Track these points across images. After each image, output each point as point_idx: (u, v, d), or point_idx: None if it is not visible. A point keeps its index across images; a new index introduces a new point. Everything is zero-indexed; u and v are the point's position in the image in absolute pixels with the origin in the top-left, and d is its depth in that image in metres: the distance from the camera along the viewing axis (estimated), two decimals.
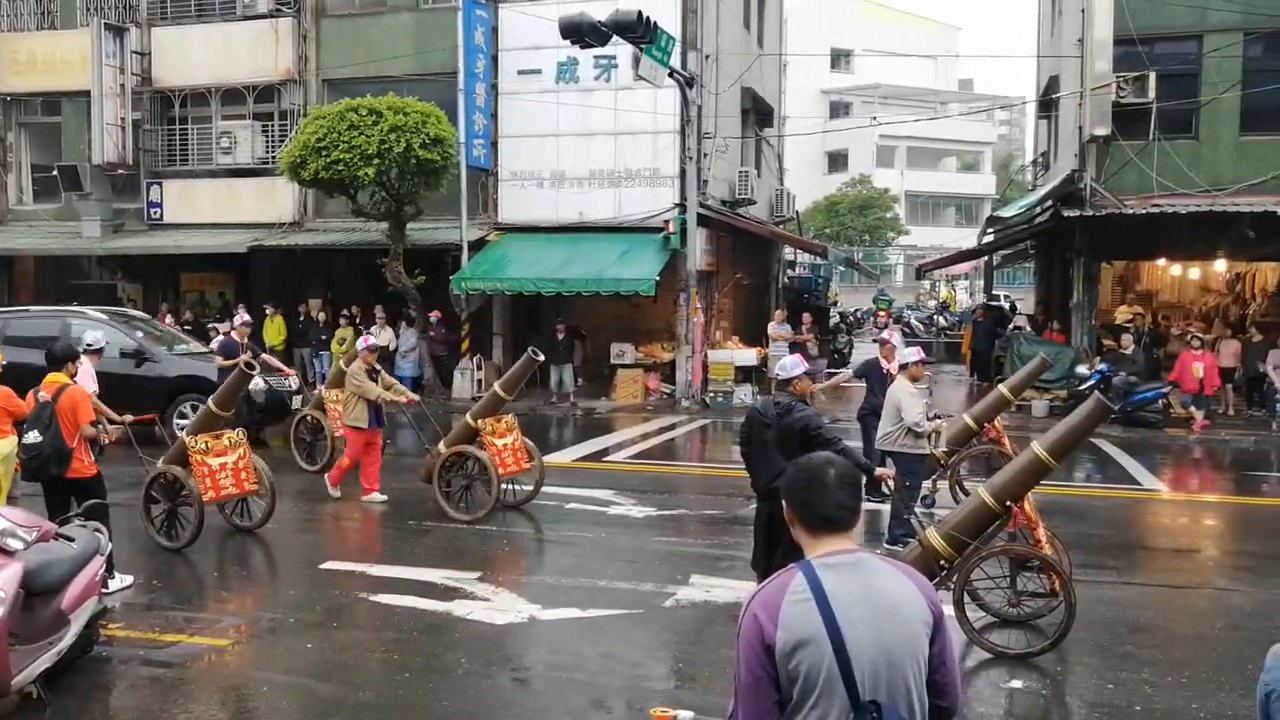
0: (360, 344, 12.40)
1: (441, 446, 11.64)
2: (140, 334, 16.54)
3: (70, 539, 6.69)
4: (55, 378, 8.72)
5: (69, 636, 6.30)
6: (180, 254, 24.22)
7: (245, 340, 14.99)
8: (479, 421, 11.50)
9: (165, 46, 24.70)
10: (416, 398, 12.69)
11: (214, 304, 26.06)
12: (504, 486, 11.51)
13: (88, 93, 23.93)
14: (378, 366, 12.31)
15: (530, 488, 11.97)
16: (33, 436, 8.48)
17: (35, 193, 26.77)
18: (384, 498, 12.08)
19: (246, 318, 15.98)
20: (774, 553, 7.49)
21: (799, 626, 2.93)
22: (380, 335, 21.28)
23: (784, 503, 3.20)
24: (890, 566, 3.11)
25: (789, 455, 7.27)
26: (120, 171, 24.61)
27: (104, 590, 7.43)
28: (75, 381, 8.86)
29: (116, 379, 14.14)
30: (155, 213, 24.85)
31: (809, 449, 7.15)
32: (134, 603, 8.45)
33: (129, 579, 8.79)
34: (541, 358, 11.86)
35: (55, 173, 25.21)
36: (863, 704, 2.92)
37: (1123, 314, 23.35)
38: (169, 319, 23.39)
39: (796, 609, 2.96)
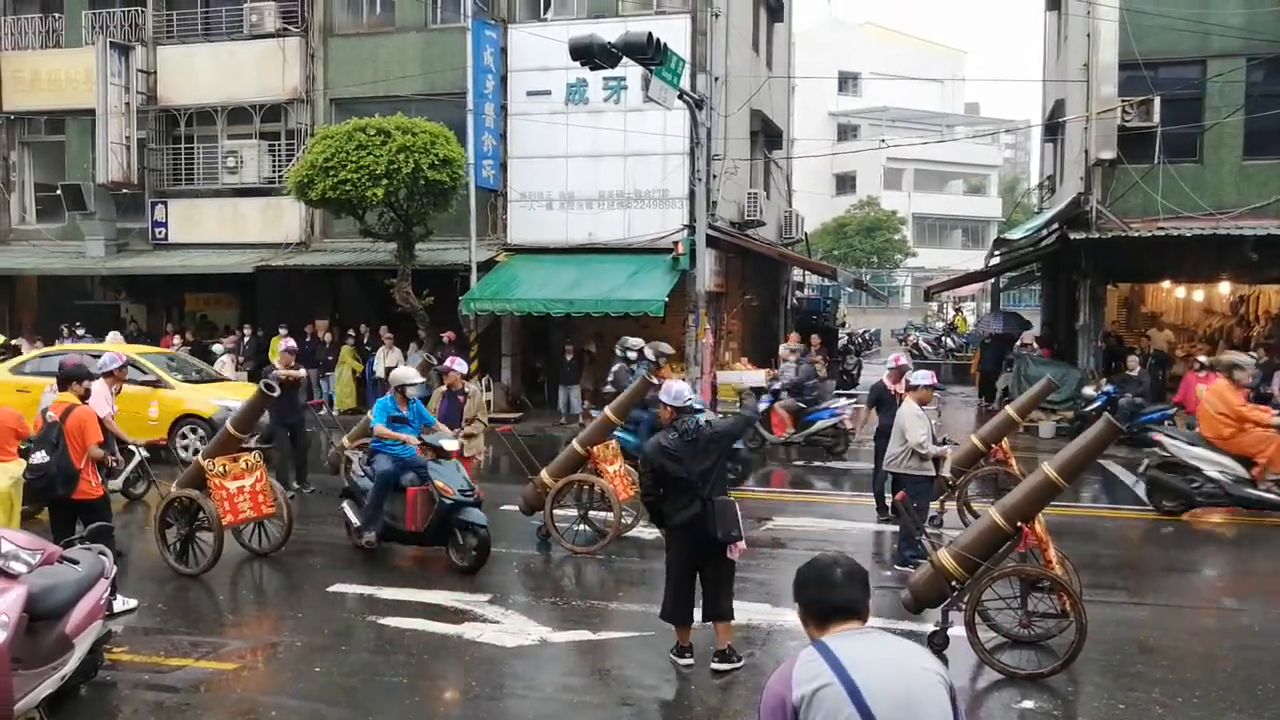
0: (450, 364, 11.87)
1: (546, 476, 10.97)
2: None
3: (75, 562, 6.62)
4: (64, 398, 8.72)
5: (73, 661, 6.23)
6: (185, 274, 24.24)
7: (289, 366, 14.34)
8: (590, 449, 10.95)
9: (171, 65, 24.77)
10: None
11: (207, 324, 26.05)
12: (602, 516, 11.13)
13: (92, 111, 23.99)
14: (466, 389, 11.75)
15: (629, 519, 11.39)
16: (39, 457, 8.45)
17: (38, 212, 26.79)
18: None
19: (291, 343, 15.20)
20: (694, 586, 7.31)
21: (812, 677, 3.07)
22: (388, 356, 21.32)
23: (795, 600, 3.36)
24: (903, 638, 3.32)
25: (712, 466, 7.19)
26: (125, 191, 24.65)
27: (108, 614, 7.37)
28: (86, 403, 8.83)
29: None
30: (160, 232, 24.86)
31: (723, 446, 7.32)
32: (139, 627, 8.40)
33: (133, 602, 8.72)
34: (657, 382, 11.50)
35: (59, 192, 25.23)
36: None
37: (1159, 338, 23.37)
38: (175, 340, 23.42)
39: (808, 666, 3.12)
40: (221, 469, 9.94)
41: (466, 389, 11.75)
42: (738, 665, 7.17)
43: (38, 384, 14.82)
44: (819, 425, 17.23)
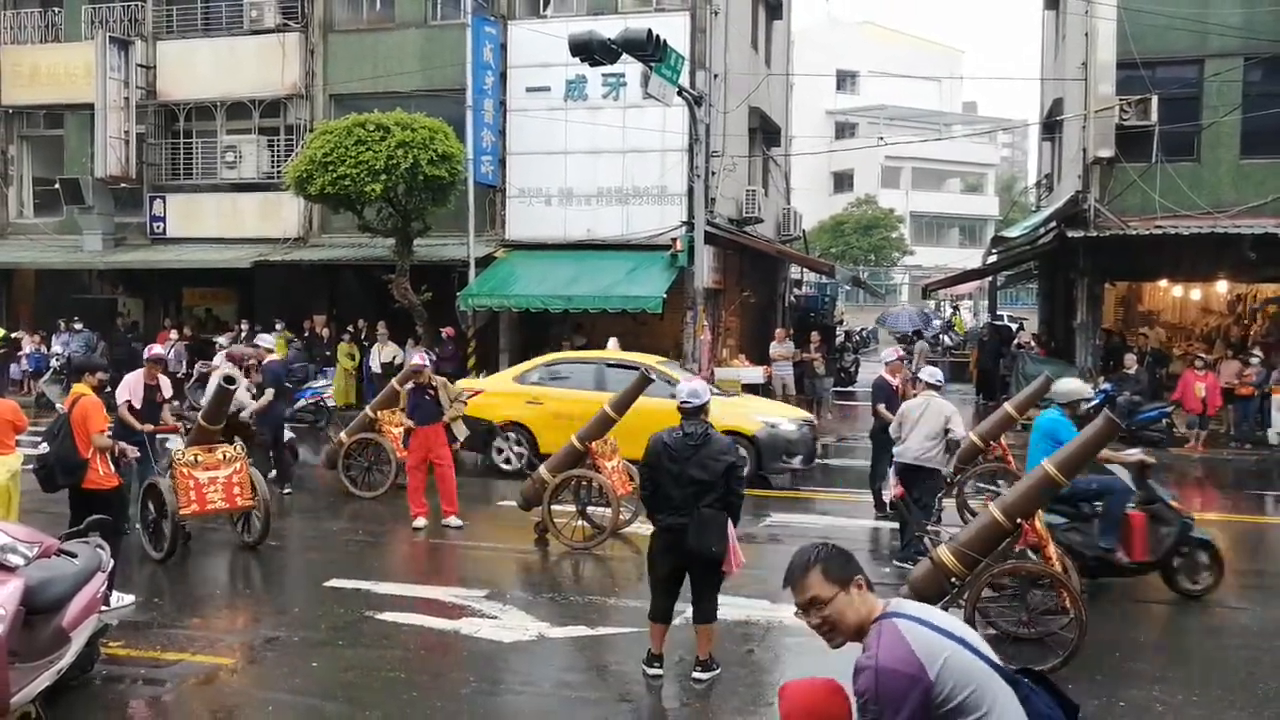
0: (416, 359, 11.93)
1: (544, 471, 10.99)
2: None
3: (72, 555, 6.59)
4: (77, 389, 8.77)
5: (69, 655, 6.19)
6: (183, 269, 24.20)
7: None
8: (589, 444, 10.97)
9: (170, 60, 24.72)
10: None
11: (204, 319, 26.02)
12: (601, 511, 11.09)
13: (91, 105, 23.89)
14: (434, 383, 11.71)
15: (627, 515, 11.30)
16: (41, 448, 8.51)
17: (36, 206, 26.74)
18: (423, 523, 11.64)
19: (264, 340, 15.01)
20: (678, 586, 7.09)
21: (936, 649, 3.12)
22: (384, 352, 21.28)
23: (851, 578, 3.38)
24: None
25: (707, 481, 6.83)
26: (123, 185, 24.55)
27: (103, 608, 7.34)
28: (104, 392, 8.89)
29: None
30: (158, 227, 24.82)
31: (729, 477, 6.89)
32: (136, 621, 8.36)
33: (130, 598, 8.69)
34: (655, 378, 11.43)
35: (57, 186, 25.17)
36: (1016, 679, 3.21)
37: (1152, 336, 23.37)
38: (172, 335, 23.36)
39: (924, 641, 3.14)
40: (192, 459, 9.89)
41: (434, 381, 11.74)
42: (717, 672, 7.10)
43: (545, 394, 14.79)
44: (301, 403, 18.85)
